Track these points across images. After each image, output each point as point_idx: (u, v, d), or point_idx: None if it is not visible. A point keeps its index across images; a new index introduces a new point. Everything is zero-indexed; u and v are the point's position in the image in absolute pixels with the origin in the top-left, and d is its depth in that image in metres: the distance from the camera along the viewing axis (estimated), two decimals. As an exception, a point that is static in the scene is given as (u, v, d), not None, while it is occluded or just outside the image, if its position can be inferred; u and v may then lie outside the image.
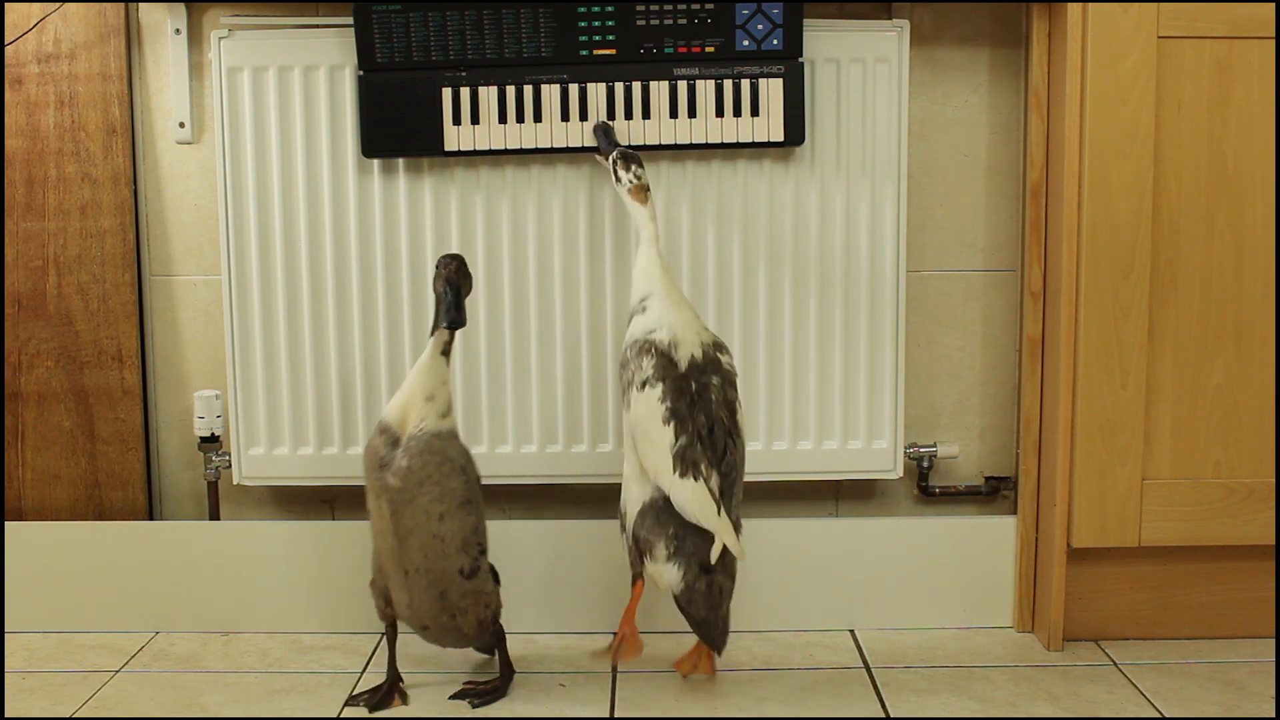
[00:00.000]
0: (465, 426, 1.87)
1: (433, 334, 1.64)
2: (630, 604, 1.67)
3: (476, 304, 1.86)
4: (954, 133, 1.94)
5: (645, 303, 1.64)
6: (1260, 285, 1.77)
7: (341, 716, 1.65)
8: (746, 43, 1.79)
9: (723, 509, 1.58)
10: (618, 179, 1.69)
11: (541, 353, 1.87)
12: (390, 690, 1.69)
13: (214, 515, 1.98)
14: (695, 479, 1.57)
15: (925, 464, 1.97)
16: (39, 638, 1.93)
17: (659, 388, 1.58)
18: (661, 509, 1.60)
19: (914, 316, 1.96)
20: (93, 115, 1.93)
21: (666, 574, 1.60)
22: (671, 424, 1.57)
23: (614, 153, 1.70)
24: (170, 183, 1.96)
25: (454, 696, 1.70)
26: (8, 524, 1.94)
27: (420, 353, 1.86)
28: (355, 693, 1.71)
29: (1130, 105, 1.73)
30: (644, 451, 1.59)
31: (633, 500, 1.63)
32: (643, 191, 1.67)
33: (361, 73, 1.80)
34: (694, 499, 1.57)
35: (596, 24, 1.78)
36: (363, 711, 1.66)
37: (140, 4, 1.93)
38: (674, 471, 1.57)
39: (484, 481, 1.82)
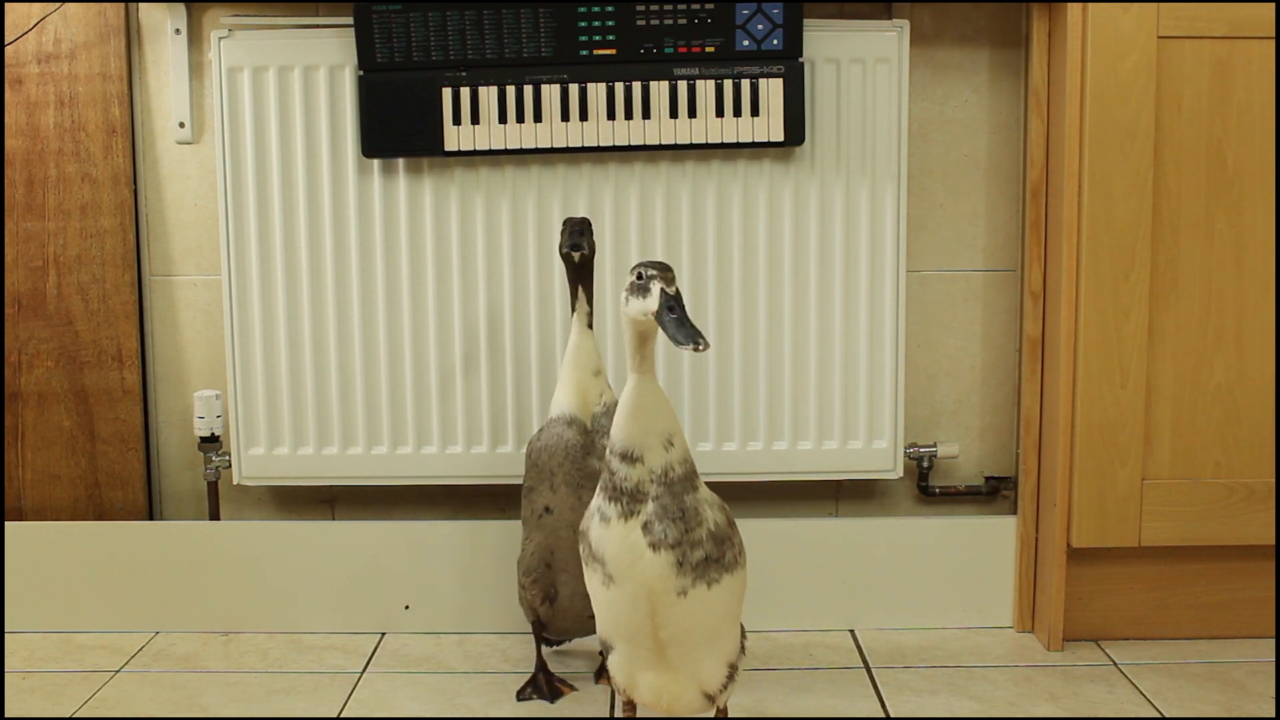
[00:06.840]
0: (458, 429, 1.88)
1: (573, 312, 1.65)
2: None
3: (477, 304, 1.86)
4: (954, 133, 1.94)
5: (697, 481, 1.33)
6: (1260, 285, 1.77)
7: (342, 716, 1.65)
8: (746, 43, 1.79)
9: None
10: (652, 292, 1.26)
11: (543, 351, 1.87)
12: (549, 681, 1.71)
13: (214, 515, 1.98)
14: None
15: (925, 464, 1.97)
16: (39, 638, 1.93)
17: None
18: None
19: (914, 316, 1.96)
20: (93, 115, 1.93)
21: None
22: None
23: (653, 284, 1.25)
24: (170, 183, 1.96)
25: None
26: (8, 524, 1.94)
27: (419, 356, 1.87)
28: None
29: (1130, 105, 1.73)
30: (729, 631, 1.39)
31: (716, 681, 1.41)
32: None
33: (361, 73, 1.80)
34: None
35: (596, 24, 1.78)
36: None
37: (140, 4, 1.93)
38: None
39: (492, 483, 1.87)
